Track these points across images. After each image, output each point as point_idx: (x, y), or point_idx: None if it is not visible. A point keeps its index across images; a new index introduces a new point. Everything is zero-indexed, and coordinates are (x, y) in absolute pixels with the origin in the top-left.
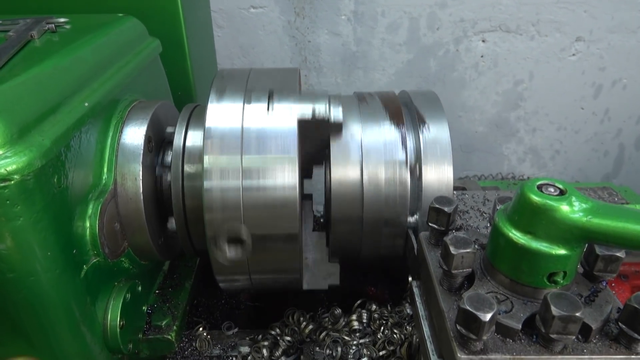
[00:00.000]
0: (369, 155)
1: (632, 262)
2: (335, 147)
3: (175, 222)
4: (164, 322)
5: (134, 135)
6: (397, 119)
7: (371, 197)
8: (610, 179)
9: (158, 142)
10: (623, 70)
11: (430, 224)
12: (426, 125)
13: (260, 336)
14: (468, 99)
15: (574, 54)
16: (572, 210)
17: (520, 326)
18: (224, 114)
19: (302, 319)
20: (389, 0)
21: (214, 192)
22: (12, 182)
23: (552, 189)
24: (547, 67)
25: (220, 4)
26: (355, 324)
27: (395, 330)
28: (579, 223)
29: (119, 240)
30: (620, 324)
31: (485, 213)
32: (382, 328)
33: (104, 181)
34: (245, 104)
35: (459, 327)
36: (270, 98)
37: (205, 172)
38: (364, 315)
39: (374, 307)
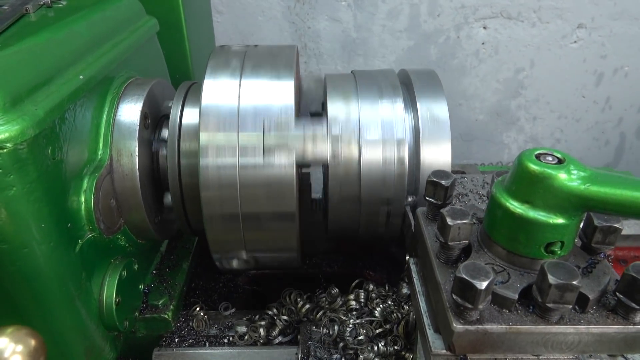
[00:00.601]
0: (367, 133)
1: (632, 247)
2: (332, 125)
3: (171, 199)
4: (160, 302)
5: (130, 111)
6: (395, 97)
7: (369, 176)
8: (611, 169)
9: (155, 119)
10: (625, 58)
11: (427, 198)
12: (424, 104)
13: (257, 316)
14: (468, 87)
15: (575, 41)
16: (570, 178)
17: (517, 296)
18: (220, 90)
19: (299, 299)
20: None
21: (210, 170)
22: (5, 150)
23: (550, 158)
24: (548, 55)
25: None
26: (353, 303)
27: (392, 309)
28: (577, 191)
29: (114, 217)
30: (617, 294)
31: (484, 196)
32: (379, 307)
33: (99, 156)
34: (243, 80)
35: (454, 297)
36: (267, 75)
37: (202, 150)
38: (362, 295)
39: (371, 287)
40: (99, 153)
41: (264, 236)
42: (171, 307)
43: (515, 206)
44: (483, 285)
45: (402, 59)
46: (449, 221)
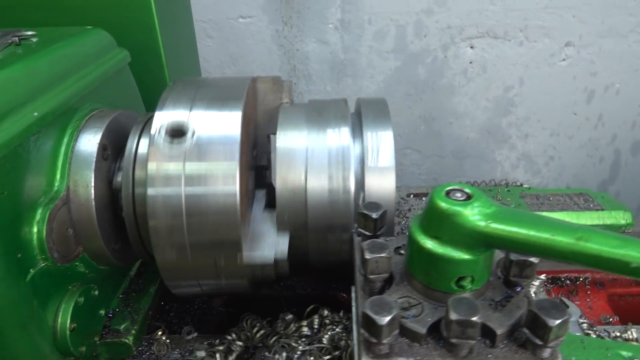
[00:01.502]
0: (313, 162)
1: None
2: (280, 153)
3: (127, 228)
4: (122, 326)
5: (88, 143)
6: (342, 126)
7: (315, 204)
8: (607, 186)
9: (117, 150)
10: (615, 75)
11: (359, 229)
12: (371, 134)
13: (217, 341)
14: (458, 105)
15: (564, 59)
16: (473, 215)
17: (425, 330)
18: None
19: (257, 323)
20: (375, 8)
21: (157, 199)
22: None
23: (459, 194)
24: (537, 73)
25: (210, 15)
26: (305, 330)
27: (341, 336)
28: (478, 228)
29: (71, 246)
30: (524, 329)
31: None
32: (328, 334)
33: (55, 188)
34: (193, 111)
35: (362, 331)
36: (212, 103)
37: (149, 179)
38: (316, 321)
39: (325, 312)
40: (56, 184)
41: (211, 265)
42: (133, 331)
43: (425, 241)
44: (384, 320)
45: (391, 79)
46: (367, 255)
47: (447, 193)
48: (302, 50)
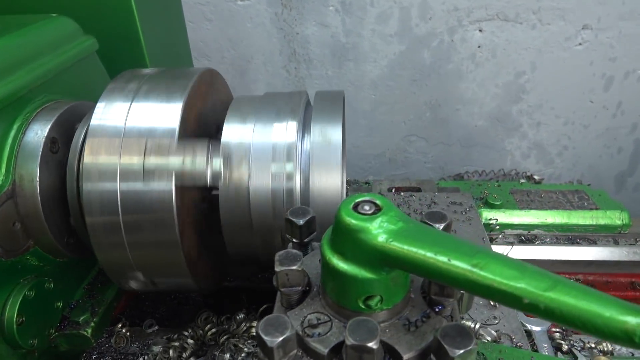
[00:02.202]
0: (258, 158)
1: (603, 273)
2: (224, 148)
3: (73, 221)
4: (81, 318)
5: (35, 136)
6: (289, 120)
7: (258, 203)
8: (625, 177)
9: (68, 142)
10: (636, 60)
11: (287, 236)
12: (319, 128)
13: (176, 335)
14: (465, 92)
15: (580, 43)
16: (375, 230)
17: (327, 351)
18: (109, 113)
19: (213, 319)
20: None
21: (93, 195)
22: None
23: (367, 207)
24: (551, 58)
25: None
26: (254, 330)
27: None
28: (379, 245)
29: (20, 240)
30: (432, 355)
31: None
32: None
33: (0, 182)
34: (134, 103)
35: (258, 351)
36: (159, 98)
37: (84, 174)
38: None
39: None
40: (1, 178)
41: (152, 263)
42: (92, 323)
43: (331, 257)
44: (275, 342)
45: (394, 64)
46: (277, 267)
47: (356, 206)
48: (302, 34)
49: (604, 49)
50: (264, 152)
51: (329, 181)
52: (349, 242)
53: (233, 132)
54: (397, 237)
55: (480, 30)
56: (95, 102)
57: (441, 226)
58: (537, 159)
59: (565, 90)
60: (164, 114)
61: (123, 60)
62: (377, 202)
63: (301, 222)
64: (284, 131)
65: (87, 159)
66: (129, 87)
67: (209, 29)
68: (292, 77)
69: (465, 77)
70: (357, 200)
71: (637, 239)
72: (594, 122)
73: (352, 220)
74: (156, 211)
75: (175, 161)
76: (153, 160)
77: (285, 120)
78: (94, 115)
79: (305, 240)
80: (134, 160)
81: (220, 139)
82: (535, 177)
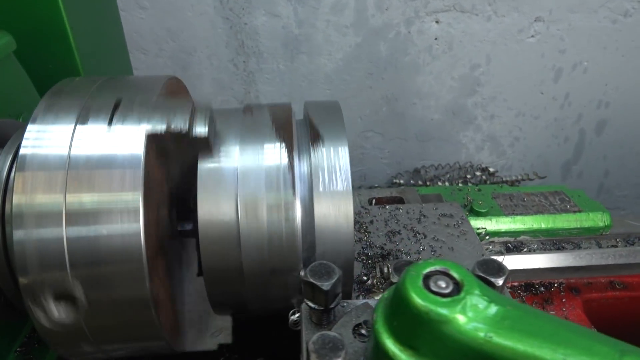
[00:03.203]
0: (247, 184)
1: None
2: (203, 174)
3: None
4: None
5: None
6: (285, 138)
7: (250, 240)
8: (570, 166)
9: None
10: (584, 52)
11: (305, 301)
12: (320, 147)
13: None
14: (423, 85)
15: (532, 36)
16: (467, 321)
17: None
18: (46, 138)
19: None
20: None
21: (28, 245)
22: None
23: (443, 283)
24: (505, 50)
25: None
26: None
27: None
28: (475, 343)
29: None
30: None
31: (420, 234)
32: None
33: None
34: (78, 125)
35: None
36: (113, 113)
37: (15, 217)
38: None
39: None
40: None
41: (113, 325)
42: None
43: (396, 352)
44: None
45: (350, 57)
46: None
47: (426, 280)
48: (251, 24)
49: (554, 41)
50: (255, 179)
51: (337, 213)
52: (426, 335)
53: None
54: (498, 329)
55: (437, 22)
56: (19, 120)
57: (501, 280)
58: (490, 151)
59: (518, 82)
60: (124, 138)
61: (48, 61)
62: (453, 273)
63: (328, 286)
64: (277, 152)
65: (17, 199)
66: (70, 104)
67: (143, 17)
68: (241, 72)
69: (421, 70)
70: (425, 272)
71: (618, 240)
72: (543, 113)
73: (429, 307)
74: (118, 263)
75: (141, 197)
76: (111, 197)
77: (276, 139)
78: (24, 142)
79: (332, 306)
80: (84, 198)
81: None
82: (490, 168)
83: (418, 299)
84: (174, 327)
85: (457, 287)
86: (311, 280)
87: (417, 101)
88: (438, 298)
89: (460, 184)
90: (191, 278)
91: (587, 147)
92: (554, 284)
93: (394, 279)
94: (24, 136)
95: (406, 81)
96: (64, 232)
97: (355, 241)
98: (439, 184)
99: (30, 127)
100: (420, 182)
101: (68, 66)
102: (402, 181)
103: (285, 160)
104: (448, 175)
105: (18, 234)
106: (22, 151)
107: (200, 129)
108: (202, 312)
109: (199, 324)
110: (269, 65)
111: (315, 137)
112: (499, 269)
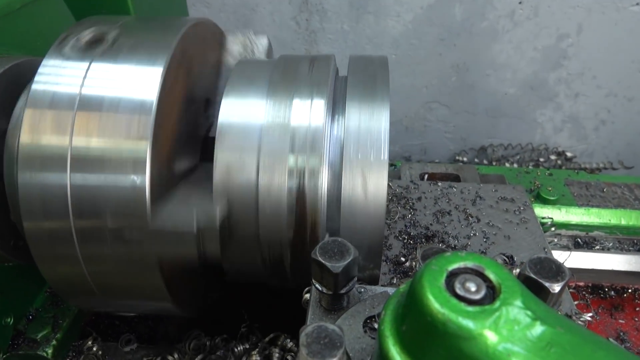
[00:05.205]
0: (270, 146)
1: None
2: (222, 131)
3: (14, 220)
4: (40, 335)
5: None
6: (317, 98)
7: (269, 208)
8: None
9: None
10: None
11: (313, 282)
12: (357, 109)
13: (159, 358)
14: (499, 55)
15: (637, 3)
16: (498, 340)
17: None
18: (59, 74)
19: (206, 342)
20: None
21: (31, 190)
22: None
23: (472, 286)
24: (601, 19)
25: None
26: None
27: None
28: None
29: None
30: None
31: (472, 217)
32: None
33: None
34: (94, 62)
35: None
36: (128, 55)
37: (20, 160)
38: (275, 356)
39: (289, 344)
40: None
41: (118, 283)
42: (54, 340)
43: None
44: None
45: (420, 19)
46: (304, 356)
47: (451, 279)
48: None
49: None
50: (280, 138)
51: (370, 183)
52: (440, 351)
53: (235, 109)
54: (541, 357)
55: None
56: None
57: (559, 286)
58: (570, 134)
59: (613, 57)
60: (137, 81)
61: (97, 4)
62: (488, 274)
63: (338, 268)
64: (308, 111)
65: (24, 138)
66: (90, 40)
67: None
68: (303, 31)
69: (500, 38)
70: (450, 269)
71: None
72: (639, 95)
73: (449, 315)
74: (123, 215)
75: (149, 146)
76: (120, 143)
77: (309, 96)
78: (36, 77)
79: (342, 291)
80: (91, 143)
81: (210, 116)
82: (567, 153)
83: (435, 303)
84: (187, 288)
85: (492, 293)
86: (320, 259)
87: (491, 72)
88: (463, 305)
89: (530, 167)
90: None
91: None
92: (628, 289)
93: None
94: (37, 71)
95: (481, 50)
96: (68, 178)
97: (399, 218)
98: (507, 165)
99: (45, 62)
100: (485, 162)
101: (119, 10)
102: (465, 159)
103: (315, 120)
104: (518, 157)
105: (23, 176)
106: (33, 86)
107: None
108: None
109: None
110: (332, 25)
111: (352, 97)
112: (558, 271)
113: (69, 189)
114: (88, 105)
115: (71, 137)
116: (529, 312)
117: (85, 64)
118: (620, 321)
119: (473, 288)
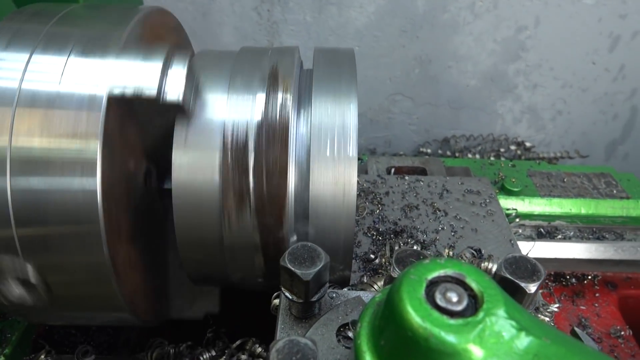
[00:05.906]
0: (232, 141)
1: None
2: (181, 130)
3: None
4: None
5: None
6: (282, 92)
7: (233, 210)
8: (616, 146)
9: None
10: None
11: (283, 290)
12: (323, 103)
13: None
14: (460, 47)
15: None
16: (484, 355)
17: None
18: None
19: (169, 350)
20: None
21: None
22: None
23: (454, 295)
24: (557, 12)
25: None
26: None
27: None
28: None
29: None
30: None
31: (440, 211)
32: None
33: None
34: (35, 55)
35: None
36: (70, 54)
37: None
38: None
39: (258, 349)
40: None
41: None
42: (1, 357)
43: None
44: None
45: (383, 11)
46: None
47: (431, 288)
48: None
49: (615, 3)
50: (242, 134)
51: (339, 179)
52: None
53: (195, 103)
54: None
55: None
56: None
57: (535, 286)
58: (528, 124)
59: (568, 49)
60: (85, 74)
61: None
62: (470, 282)
63: (309, 275)
64: (272, 106)
65: None
66: (32, 29)
67: None
68: (264, 22)
69: (461, 30)
70: (430, 278)
71: None
72: (592, 86)
73: (431, 330)
74: (72, 221)
75: (99, 146)
76: (66, 143)
77: (273, 90)
78: None
79: (314, 299)
80: (34, 143)
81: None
82: (527, 143)
83: (416, 317)
84: (148, 295)
85: (474, 303)
86: (289, 266)
87: (453, 64)
88: (445, 318)
89: (492, 158)
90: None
91: (638, 126)
92: (588, 276)
93: (395, 273)
94: None
95: (443, 42)
96: (8, 182)
97: (366, 214)
98: (469, 156)
99: None
100: (448, 153)
101: None
102: (429, 150)
103: (280, 115)
104: (480, 148)
105: None
106: None
107: (172, 97)
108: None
109: (187, 292)
110: (294, 16)
111: (318, 91)
112: (534, 270)
113: (9, 194)
114: (29, 101)
115: (10, 136)
116: (513, 323)
117: (25, 56)
118: (582, 307)
119: (454, 298)
